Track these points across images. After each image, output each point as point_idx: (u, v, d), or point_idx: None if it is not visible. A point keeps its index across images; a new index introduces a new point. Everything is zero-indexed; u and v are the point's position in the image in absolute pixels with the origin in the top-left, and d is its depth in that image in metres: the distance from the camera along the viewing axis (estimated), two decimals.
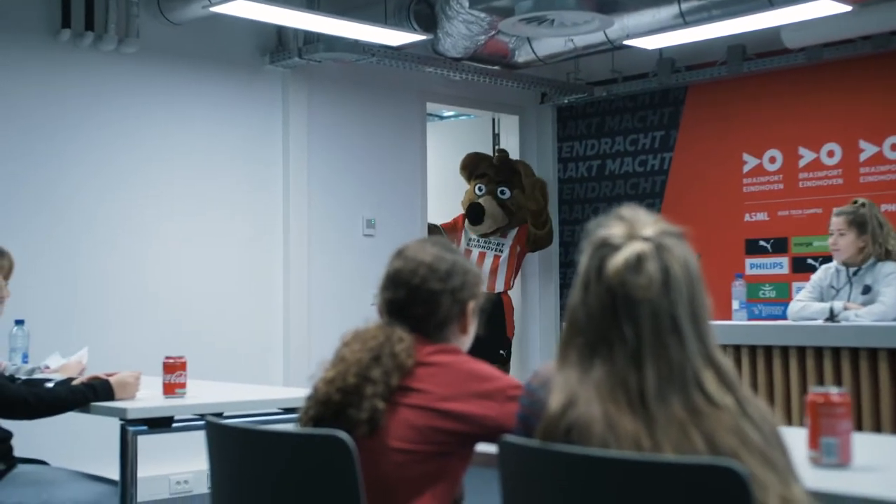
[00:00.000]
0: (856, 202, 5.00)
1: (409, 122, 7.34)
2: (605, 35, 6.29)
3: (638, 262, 1.52)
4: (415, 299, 2.09)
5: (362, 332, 2.08)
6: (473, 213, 7.49)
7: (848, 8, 5.44)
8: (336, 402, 1.98)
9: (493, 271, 7.46)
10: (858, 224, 4.87)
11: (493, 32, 6.33)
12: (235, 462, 1.97)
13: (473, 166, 7.64)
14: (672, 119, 7.55)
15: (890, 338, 4.30)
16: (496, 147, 8.19)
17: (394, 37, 6.03)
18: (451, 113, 8.59)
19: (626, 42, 6.24)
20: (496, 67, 7.10)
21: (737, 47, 6.90)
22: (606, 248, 1.56)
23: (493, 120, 8.24)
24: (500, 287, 7.46)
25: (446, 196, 7.92)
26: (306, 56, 6.40)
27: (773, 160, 7.02)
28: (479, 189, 7.56)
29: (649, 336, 1.50)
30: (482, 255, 7.50)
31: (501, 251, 7.52)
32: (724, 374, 1.52)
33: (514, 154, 8.10)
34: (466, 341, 2.17)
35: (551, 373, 1.60)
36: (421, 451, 1.94)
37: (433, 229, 7.53)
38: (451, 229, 7.71)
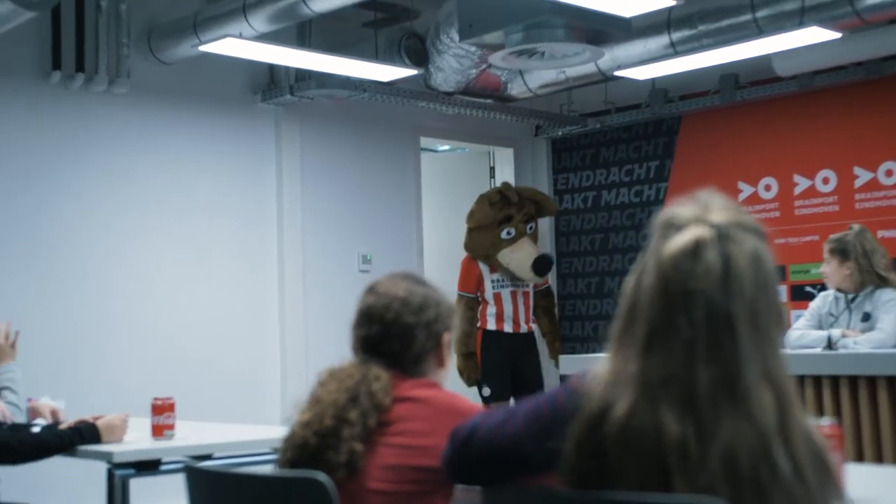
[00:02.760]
0: (851, 228, 4.99)
1: (402, 156, 7.33)
2: (597, 66, 6.29)
3: (696, 248, 1.40)
4: (389, 334, 2.06)
5: (337, 370, 2.04)
6: (545, 266, 6.97)
7: (838, 35, 5.43)
8: (313, 445, 1.93)
9: (527, 308, 7.10)
10: (840, 252, 4.90)
11: (484, 66, 6.32)
12: None
13: (495, 213, 7.04)
14: (666, 149, 7.54)
15: (888, 365, 4.26)
16: (493, 181, 8.16)
17: (385, 72, 6.03)
18: (446, 147, 8.58)
19: (618, 73, 6.24)
20: (489, 101, 7.09)
21: (729, 76, 6.90)
22: (669, 228, 1.44)
23: (489, 153, 8.23)
24: (532, 326, 7.16)
25: (443, 230, 7.89)
26: (298, 93, 6.39)
27: (768, 188, 7.00)
28: (508, 233, 7.00)
29: (703, 331, 1.37)
30: (514, 294, 7.02)
31: (528, 286, 7.16)
32: (783, 394, 1.38)
33: None
34: (444, 374, 2.13)
35: (598, 374, 1.48)
36: (401, 491, 1.89)
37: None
38: (470, 278, 7.10)
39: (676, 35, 5.81)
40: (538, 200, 7.29)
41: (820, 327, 4.92)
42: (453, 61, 6.18)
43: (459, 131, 7.68)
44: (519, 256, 6.94)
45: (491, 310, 6.98)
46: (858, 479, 1.86)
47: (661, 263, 1.41)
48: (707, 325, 1.37)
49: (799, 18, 5.32)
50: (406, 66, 6.11)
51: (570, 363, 5.48)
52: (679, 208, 1.47)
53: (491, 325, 6.95)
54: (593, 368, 1.48)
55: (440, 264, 7.81)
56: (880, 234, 6.21)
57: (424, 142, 7.65)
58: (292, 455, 1.95)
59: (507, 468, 1.55)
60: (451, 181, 8.11)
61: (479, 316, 6.99)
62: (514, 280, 7.04)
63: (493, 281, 7.05)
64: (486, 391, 6.90)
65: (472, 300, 7.01)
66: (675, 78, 6.67)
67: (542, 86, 6.86)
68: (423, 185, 7.49)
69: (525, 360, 6.99)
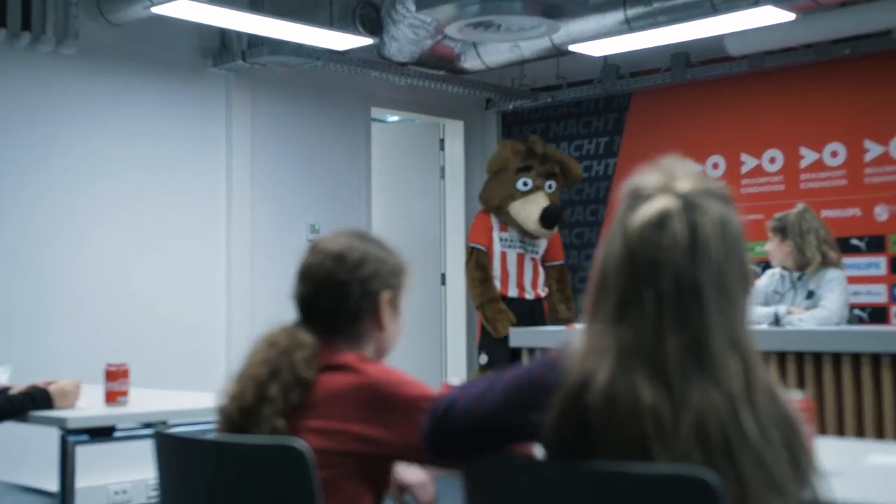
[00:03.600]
0: (795, 207, 5.09)
1: (353, 126, 7.28)
2: (551, 41, 6.29)
3: (663, 218, 1.39)
4: (321, 292, 1.96)
5: (266, 337, 1.95)
6: (553, 216, 6.70)
7: (791, 16, 5.49)
8: (238, 421, 1.86)
9: (535, 273, 6.91)
10: (780, 230, 5.05)
11: (439, 37, 6.29)
12: (186, 473, 1.90)
13: (516, 160, 6.80)
14: (616, 125, 7.58)
15: (832, 342, 4.34)
16: (443, 154, 8.14)
17: (339, 40, 5.97)
18: (396, 117, 8.54)
19: (572, 48, 6.24)
20: (441, 72, 7.07)
21: (680, 54, 6.95)
22: (636, 198, 1.44)
23: (440, 125, 8.21)
24: (540, 292, 6.98)
25: (391, 201, 7.87)
26: (250, 59, 6.31)
27: (716, 166, 7.08)
28: (525, 184, 6.75)
29: (672, 301, 1.37)
30: (521, 258, 6.83)
31: (537, 253, 6.94)
32: (749, 358, 1.39)
33: (460, 160, 8.08)
34: (387, 339, 2.00)
35: (576, 340, 1.47)
36: (325, 477, 1.76)
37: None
38: (482, 230, 6.87)
39: (632, 12, 5.83)
40: (564, 163, 6.98)
41: (766, 304, 5.00)
42: (409, 31, 6.14)
43: (411, 102, 7.64)
44: (529, 208, 6.68)
45: (496, 271, 6.75)
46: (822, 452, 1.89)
47: (628, 234, 1.41)
48: (675, 294, 1.37)
49: None
50: (361, 34, 6.06)
51: (520, 336, 5.50)
52: (644, 177, 1.46)
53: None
54: (570, 340, 1.49)
55: (389, 235, 7.78)
56: (824, 213, 6.31)
57: (375, 112, 7.60)
58: (223, 428, 1.90)
59: (486, 441, 1.54)
60: (400, 152, 8.07)
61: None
62: (524, 241, 6.81)
63: (501, 239, 6.82)
64: (483, 359, 6.75)
65: (483, 254, 6.78)
66: (626, 55, 6.69)
67: (495, 60, 6.85)
68: (372, 156, 7.45)
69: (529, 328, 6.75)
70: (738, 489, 1.33)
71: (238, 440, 1.84)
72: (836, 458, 2.03)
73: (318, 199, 7.00)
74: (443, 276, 8.09)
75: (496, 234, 6.80)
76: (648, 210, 1.40)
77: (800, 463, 1.40)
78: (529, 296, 6.82)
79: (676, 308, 1.37)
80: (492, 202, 6.85)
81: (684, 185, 1.43)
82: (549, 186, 6.88)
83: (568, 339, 1.50)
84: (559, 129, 7.90)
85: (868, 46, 6.26)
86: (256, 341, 1.96)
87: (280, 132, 6.82)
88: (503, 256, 6.78)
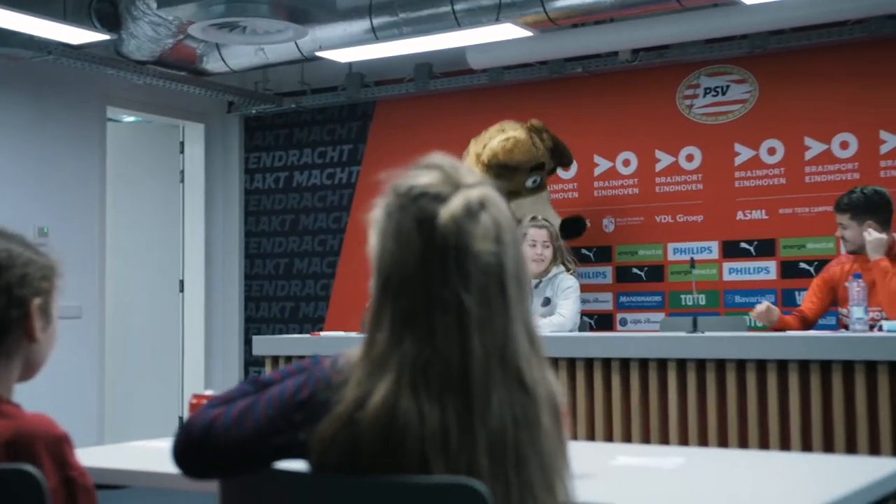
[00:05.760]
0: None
1: (87, 125, 6.95)
2: (297, 46, 6.24)
3: (474, 209, 1.35)
4: None
5: None
6: (578, 229, 6.24)
7: (529, 33, 5.70)
8: None
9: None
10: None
11: (181, 36, 6.11)
12: None
13: (534, 156, 6.15)
14: (360, 133, 7.62)
15: (569, 349, 4.49)
16: (183, 157, 7.91)
17: (73, 34, 5.68)
18: (133, 118, 8.23)
19: (319, 54, 6.22)
20: (182, 73, 6.87)
21: (424, 65, 7.07)
22: (426, 197, 1.36)
23: (180, 127, 7.96)
24: None
25: (127, 203, 7.56)
26: None
27: None
28: (534, 182, 6.22)
29: (477, 298, 1.33)
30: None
31: None
32: (539, 351, 1.38)
33: (200, 163, 7.88)
34: (39, 351, 1.78)
35: (351, 358, 1.39)
36: None
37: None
38: None
39: (378, 21, 5.88)
40: (561, 149, 6.35)
41: None
42: (149, 29, 5.93)
43: (149, 103, 7.37)
44: (543, 212, 5.90)
45: None
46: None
47: (439, 228, 1.34)
48: (482, 291, 1.34)
49: (495, 14, 5.54)
50: (97, 30, 5.79)
51: (263, 344, 5.42)
52: (423, 178, 1.38)
53: None
54: (346, 351, 1.42)
55: (125, 240, 7.50)
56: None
57: (112, 111, 7.29)
58: None
59: (247, 461, 1.46)
60: (138, 154, 7.78)
61: None
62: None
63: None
64: None
65: None
66: (371, 63, 6.76)
67: (239, 63, 6.72)
68: (108, 157, 7.14)
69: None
70: (520, 495, 1.33)
71: None
72: (584, 460, 2.11)
73: (47, 201, 6.63)
74: (181, 283, 7.86)
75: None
76: (459, 201, 1.35)
77: (566, 463, 1.41)
78: None
79: (481, 305, 1.33)
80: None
81: (472, 180, 1.39)
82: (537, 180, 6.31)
83: (343, 350, 1.43)
84: (303, 136, 7.85)
85: (598, 65, 6.60)
86: None
87: (6, 129, 6.42)
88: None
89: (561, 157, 6.33)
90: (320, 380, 1.41)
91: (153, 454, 2.21)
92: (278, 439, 1.42)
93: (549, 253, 5.16)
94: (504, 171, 6.00)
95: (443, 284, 1.33)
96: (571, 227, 6.16)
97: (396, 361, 1.34)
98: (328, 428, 1.35)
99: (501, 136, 6.15)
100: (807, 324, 4.76)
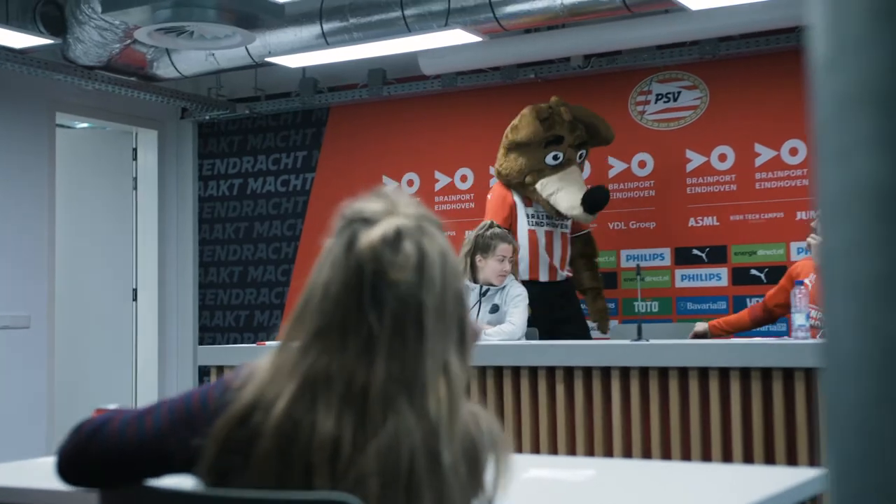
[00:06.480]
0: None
1: (35, 132, 6.85)
2: (248, 51, 6.19)
3: (396, 237, 1.38)
4: None
5: None
6: (600, 202, 5.73)
7: (479, 38, 5.68)
8: None
9: (565, 251, 5.93)
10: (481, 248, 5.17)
11: (129, 41, 6.04)
12: None
13: (544, 130, 5.81)
14: (314, 139, 7.57)
15: (518, 357, 4.46)
16: (136, 164, 7.82)
17: (16, 39, 5.61)
18: (85, 124, 8.13)
19: (269, 59, 6.18)
20: (133, 79, 6.79)
21: (377, 71, 7.04)
22: (359, 222, 1.41)
23: (133, 134, 7.88)
24: (568, 272, 6.03)
25: (78, 211, 7.47)
26: None
27: (410, 183, 7.21)
28: (556, 158, 5.78)
29: (389, 324, 1.35)
30: (550, 235, 5.85)
31: (567, 227, 5.97)
32: (454, 386, 1.38)
33: (153, 170, 7.79)
34: None
35: (258, 367, 1.41)
36: None
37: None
38: (503, 206, 5.82)
39: (328, 26, 5.84)
40: (592, 124, 6.00)
41: None
42: (95, 34, 5.85)
43: (100, 109, 7.29)
44: (568, 188, 5.68)
45: (523, 253, 5.70)
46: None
47: (357, 253, 1.38)
48: (395, 318, 1.36)
49: (445, 20, 5.51)
50: (41, 34, 5.71)
51: (209, 354, 5.36)
52: (366, 203, 1.44)
53: (523, 276, 5.67)
54: (253, 362, 1.43)
55: (75, 248, 7.40)
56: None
57: (61, 117, 7.19)
58: None
59: (137, 468, 1.42)
60: (89, 161, 7.69)
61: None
62: (553, 218, 5.88)
63: (528, 216, 5.82)
64: None
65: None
66: (325, 69, 6.71)
67: (189, 68, 6.66)
68: (57, 164, 7.04)
69: (567, 312, 5.84)
70: None
71: None
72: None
73: None
74: (134, 292, 7.77)
75: (521, 211, 5.81)
76: (382, 228, 1.39)
77: (477, 489, 1.40)
78: (561, 276, 5.90)
79: (393, 332, 1.36)
80: (516, 177, 5.80)
81: (409, 210, 1.43)
82: (580, 156, 6.00)
83: (252, 359, 1.43)
84: (257, 142, 7.79)
85: (551, 71, 6.59)
86: None
87: None
88: (532, 237, 5.79)
89: (594, 132, 5.99)
90: (223, 387, 1.43)
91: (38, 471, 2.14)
92: (172, 444, 1.41)
93: (510, 266, 5.16)
94: (521, 150, 5.80)
95: (357, 307, 1.36)
96: (594, 203, 5.71)
97: (302, 371, 1.36)
98: (223, 427, 1.36)
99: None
100: (765, 310, 4.94)
